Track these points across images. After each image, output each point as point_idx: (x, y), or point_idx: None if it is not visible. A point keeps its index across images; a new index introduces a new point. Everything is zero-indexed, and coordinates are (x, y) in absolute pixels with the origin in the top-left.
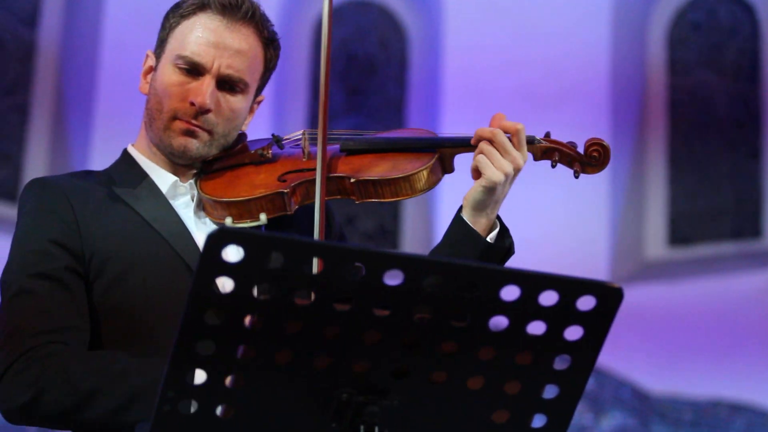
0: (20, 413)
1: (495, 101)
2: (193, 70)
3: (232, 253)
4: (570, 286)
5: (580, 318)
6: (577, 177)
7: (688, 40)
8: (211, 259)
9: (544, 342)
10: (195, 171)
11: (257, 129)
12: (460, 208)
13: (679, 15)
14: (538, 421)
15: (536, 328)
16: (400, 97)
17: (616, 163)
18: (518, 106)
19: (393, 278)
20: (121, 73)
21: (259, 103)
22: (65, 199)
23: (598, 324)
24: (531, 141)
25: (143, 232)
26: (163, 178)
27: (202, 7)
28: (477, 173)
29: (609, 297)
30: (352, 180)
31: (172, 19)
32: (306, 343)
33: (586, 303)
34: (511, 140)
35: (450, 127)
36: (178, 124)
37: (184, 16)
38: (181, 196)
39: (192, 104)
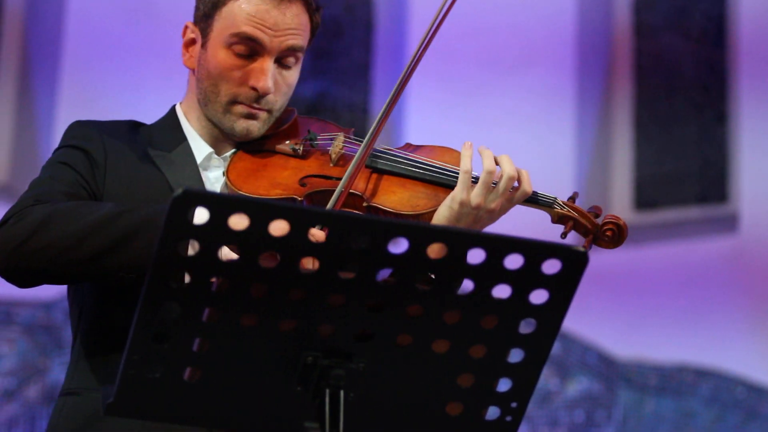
0: (17, 252)
1: (460, 66)
2: (251, 52)
3: (199, 216)
4: (535, 250)
5: (545, 282)
6: (585, 250)
7: (654, 3)
8: (176, 222)
9: (510, 306)
10: (234, 145)
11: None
12: None
13: None
14: (503, 385)
15: (502, 291)
16: (366, 60)
17: (582, 128)
18: (484, 70)
19: (358, 241)
20: (86, 34)
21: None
22: (102, 145)
23: (564, 288)
24: (550, 204)
25: (164, 196)
26: (200, 148)
27: None
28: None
29: (574, 261)
30: (365, 204)
31: None
32: (271, 306)
33: (551, 267)
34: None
35: (415, 91)
36: (240, 109)
37: None
38: (215, 169)
39: (253, 89)
